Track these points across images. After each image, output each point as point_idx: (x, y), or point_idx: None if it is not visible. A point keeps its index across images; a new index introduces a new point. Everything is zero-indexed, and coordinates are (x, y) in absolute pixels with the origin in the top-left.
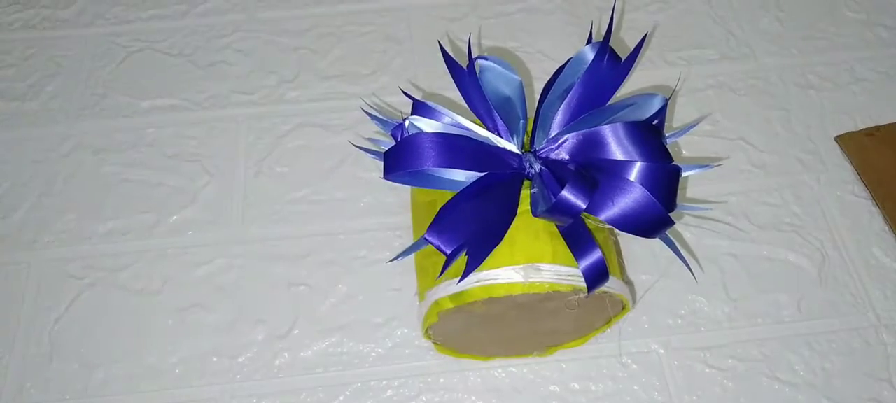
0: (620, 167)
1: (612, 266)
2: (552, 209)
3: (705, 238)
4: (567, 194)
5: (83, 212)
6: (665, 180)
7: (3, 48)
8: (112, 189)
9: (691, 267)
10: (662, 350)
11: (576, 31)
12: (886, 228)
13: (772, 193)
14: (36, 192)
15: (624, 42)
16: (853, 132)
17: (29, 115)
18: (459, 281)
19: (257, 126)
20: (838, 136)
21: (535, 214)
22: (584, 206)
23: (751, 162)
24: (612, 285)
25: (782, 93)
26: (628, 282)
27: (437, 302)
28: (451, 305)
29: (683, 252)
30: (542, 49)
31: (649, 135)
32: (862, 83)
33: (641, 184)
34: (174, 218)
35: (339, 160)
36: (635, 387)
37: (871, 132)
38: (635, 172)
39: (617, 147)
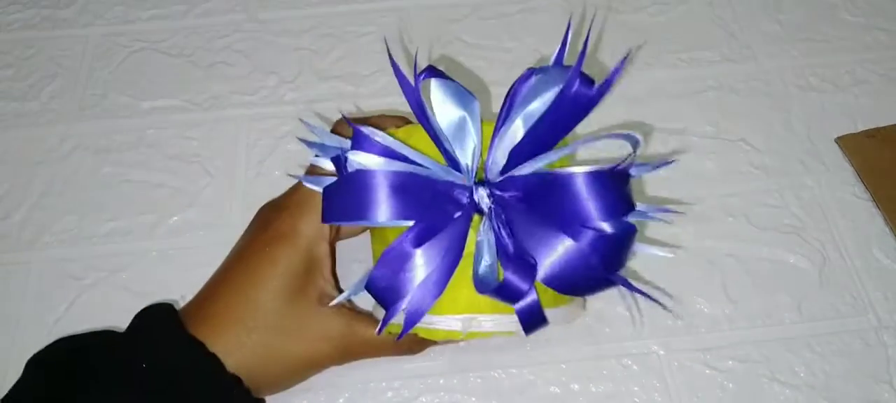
0: (572, 220)
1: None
2: (497, 291)
3: (705, 239)
4: (511, 278)
5: (83, 213)
6: (616, 242)
7: (2, 48)
8: (112, 190)
9: (664, 302)
10: (662, 352)
11: (577, 33)
12: (887, 229)
13: (772, 194)
14: (36, 193)
15: (625, 44)
16: (854, 133)
17: (29, 115)
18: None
19: (257, 127)
20: (839, 138)
21: (477, 286)
22: (526, 289)
23: (751, 163)
24: (557, 318)
25: (783, 95)
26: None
27: (391, 326)
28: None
29: (677, 255)
30: (543, 50)
31: (611, 187)
32: (862, 85)
33: (589, 243)
34: (175, 219)
35: None
36: (635, 388)
37: (872, 133)
38: (585, 231)
39: (573, 197)
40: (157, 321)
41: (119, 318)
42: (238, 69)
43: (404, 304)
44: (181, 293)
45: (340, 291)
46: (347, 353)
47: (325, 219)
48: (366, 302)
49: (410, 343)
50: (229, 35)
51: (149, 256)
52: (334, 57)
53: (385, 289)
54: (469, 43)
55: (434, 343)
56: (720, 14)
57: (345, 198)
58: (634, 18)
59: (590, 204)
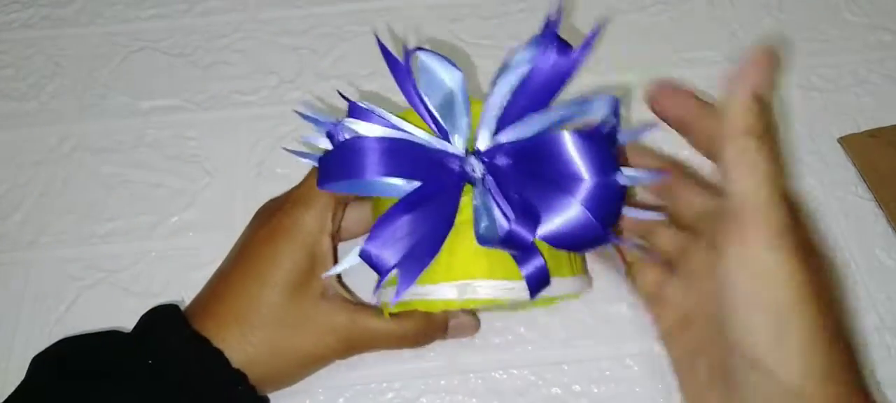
0: (564, 179)
1: (561, 265)
2: (502, 241)
3: None
4: (516, 228)
5: (83, 213)
6: (608, 197)
7: (2, 48)
8: (112, 190)
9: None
10: (665, 353)
11: (579, 33)
12: (890, 230)
13: None
14: (36, 193)
15: (625, 47)
16: (856, 134)
17: (29, 115)
18: (393, 301)
19: (257, 127)
20: (841, 138)
21: (480, 240)
22: (532, 238)
23: None
24: (562, 288)
25: (784, 95)
26: (586, 274)
27: (383, 304)
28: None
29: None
30: None
31: (598, 146)
32: (865, 85)
33: (583, 199)
34: (174, 219)
35: None
36: (637, 389)
37: (875, 134)
38: (579, 187)
39: (563, 156)
40: (163, 319)
41: (118, 318)
42: (238, 69)
43: (395, 271)
44: (181, 293)
45: (343, 286)
46: (352, 346)
47: (320, 184)
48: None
49: (415, 335)
50: (229, 35)
51: (148, 256)
52: (334, 57)
53: (377, 257)
54: (470, 42)
55: (439, 335)
56: (721, 14)
57: (340, 163)
58: (635, 18)
59: (580, 162)
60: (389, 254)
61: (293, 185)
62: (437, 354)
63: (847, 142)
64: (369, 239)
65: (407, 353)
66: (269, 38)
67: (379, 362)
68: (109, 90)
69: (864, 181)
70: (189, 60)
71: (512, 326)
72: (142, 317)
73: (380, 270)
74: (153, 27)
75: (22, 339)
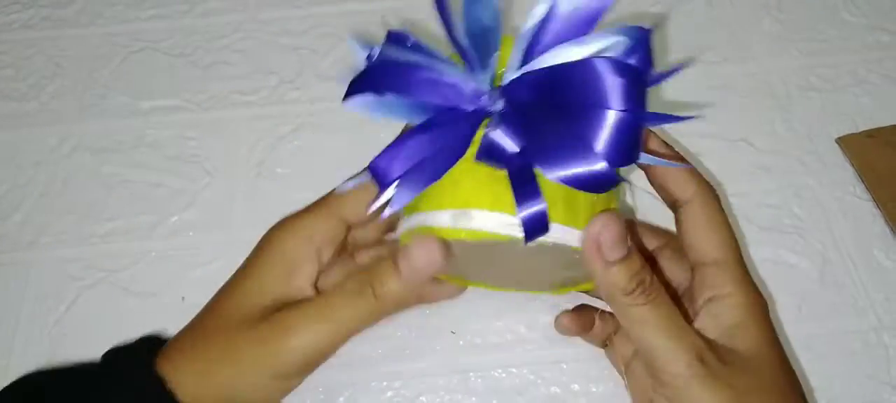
0: (587, 109)
1: (575, 215)
2: (480, 150)
3: None
4: (495, 137)
5: (83, 213)
6: (628, 134)
7: (2, 48)
8: (112, 190)
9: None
10: None
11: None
12: (888, 230)
13: (773, 195)
14: (36, 193)
15: None
16: (854, 134)
17: (29, 115)
18: (391, 208)
19: (258, 127)
20: (840, 138)
21: (477, 156)
22: (512, 151)
23: (752, 163)
24: (566, 236)
25: (783, 95)
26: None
27: (401, 236)
28: (405, 240)
29: None
30: None
31: (626, 78)
32: (863, 85)
33: (605, 133)
34: (174, 219)
35: (339, 162)
36: None
37: (873, 134)
38: (601, 118)
39: (589, 85)
40: (127, 357)
41: (118, 318)
42: (238, 69)
43: (396, 186)
44: (180, 293)
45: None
46: (335, 335)
47: (344, 99)
48: None
49: (409, 296)
50: (229, 35)
51: (148, 256)
52: (334, 57)
53: (383, 169)
54: None
55: (425, 296)
56: (721, 14)
57: (364, 80)
58: (635, 18)
59: (605, 91)
60: (394, 169)
61: (293, 186)
62: (436, 353)
63: (845, 143)
64: (379, 155)
65: (407, 351)
66: (269, 38)
67: (379, 362)
68: (109, 90)
69: (863, 181)
70: (189, 60)
71: (512, 325)
72: (108, 352)
73: (382, 181)
74: (153, 27)
75: (22, 339)
